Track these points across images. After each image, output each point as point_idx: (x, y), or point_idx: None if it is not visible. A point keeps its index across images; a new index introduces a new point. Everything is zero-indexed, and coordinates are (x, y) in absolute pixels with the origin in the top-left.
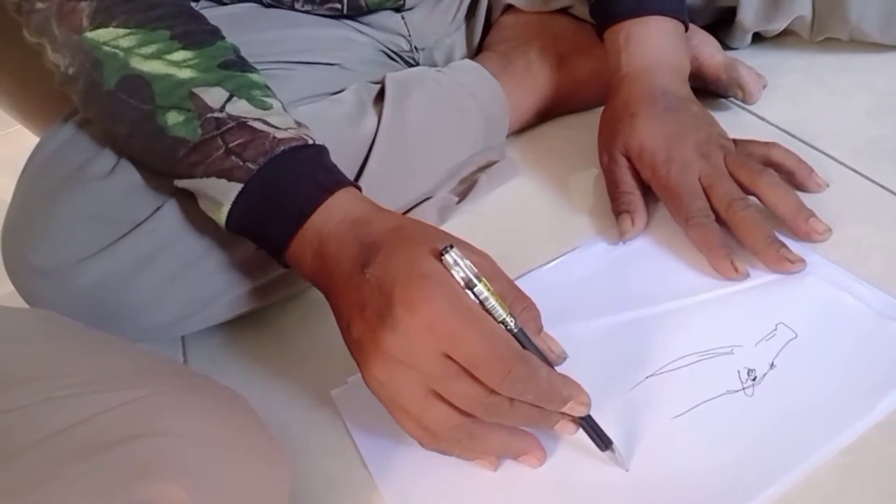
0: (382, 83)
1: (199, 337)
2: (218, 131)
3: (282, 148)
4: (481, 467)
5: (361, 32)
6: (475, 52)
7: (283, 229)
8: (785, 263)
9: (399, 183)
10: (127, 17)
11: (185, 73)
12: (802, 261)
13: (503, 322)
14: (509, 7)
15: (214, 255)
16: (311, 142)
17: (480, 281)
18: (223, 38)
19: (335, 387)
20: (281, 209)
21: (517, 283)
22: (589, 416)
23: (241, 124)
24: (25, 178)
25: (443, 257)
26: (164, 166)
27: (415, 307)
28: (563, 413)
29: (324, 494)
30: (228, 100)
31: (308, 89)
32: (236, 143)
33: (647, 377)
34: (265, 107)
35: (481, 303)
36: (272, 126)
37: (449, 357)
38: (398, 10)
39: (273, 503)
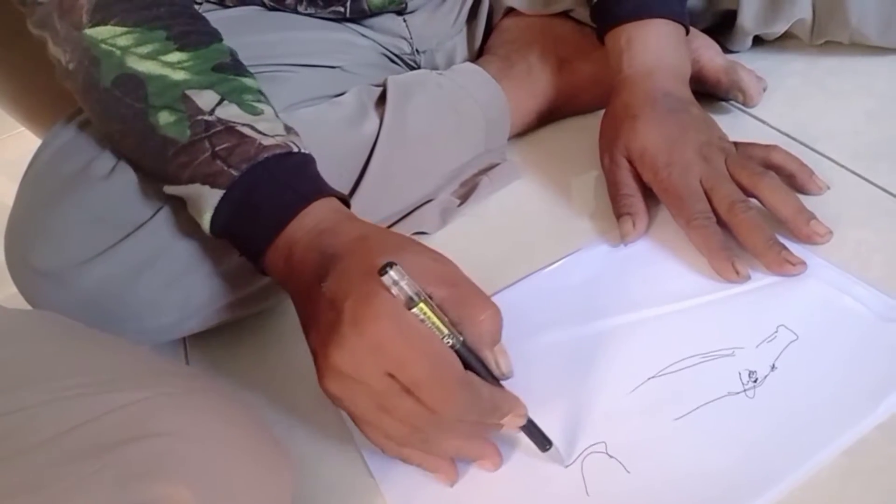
0: (384, 86)
1: (200, 339)
2: (206, 134)
3: (265, 155)
4: (439, 481)
5: (363, 35)
6: (476, 56)
7: (260, 237)
8: (786, 266)
9: (400, 185)
10: (125, 16)
11: (179, 75)
12: (803, 263)
13: (444, 339)
14: (510, 10)
15: (216, 257)
16: (296, 150)
17: (421, 300)
18: (221, 40)
19: None
20: (259, 217)
21: (517, 285)
22: (530, 421)
23: (229, 128)
24: (28, 180)
25: (381, 278)
26: (155, 165)
27: (361, 326)
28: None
29: (326, 497)
30: (219, 103)
31: (309, 92)
32: (223, 146)
33: (648, 379)
34: (255, 112)
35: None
36: (259, 132)
37: (394, 376)
38: (400, 13)
39: (276, 503)
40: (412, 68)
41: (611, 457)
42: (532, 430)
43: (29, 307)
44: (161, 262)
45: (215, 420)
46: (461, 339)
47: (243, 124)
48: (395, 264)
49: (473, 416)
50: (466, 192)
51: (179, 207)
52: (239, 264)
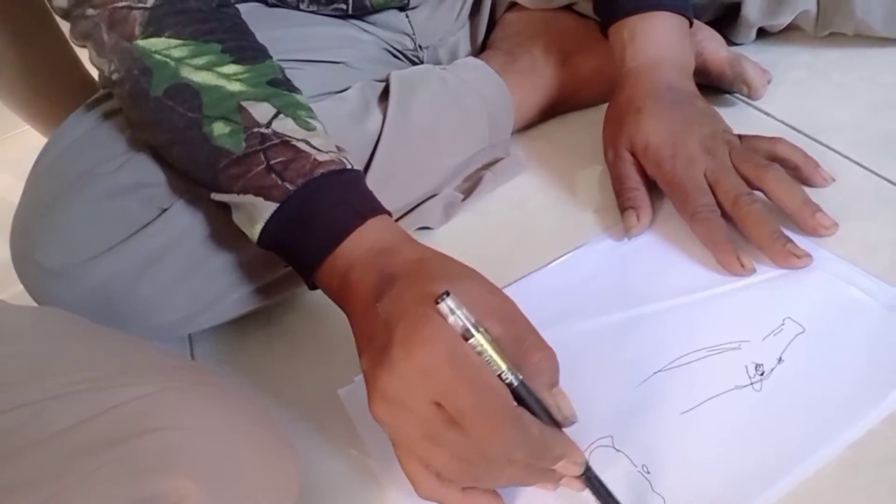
0: (387, 81)
1: (205, 335)
2: (262, 146)
3: (321, 171)
4: None
5: (366, 31)
6: (479, 50)
7: (314, 252)
8: (791, 258)
9: (404, 180)
10: (180, 28)
11: (235, 87)
12: (809, 255)
13: (501, 375)
14: (513, 4)
15: (222, 254)
16: (349, 166)
17: (478, 332)
18: (271, 57)
19: (342, 385)
20: (314, 232)
21: (522, 281)
22: (595, 476)
23: (285, 142)
24: (35, 176)
25: (438, 306)
26: (204, 175)
27: (411, 350)
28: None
29: (331, 491)
30: (275, 117)
31: (313, 88)
32: (278, 160)
33: (654, 373)
34: (309, 128)
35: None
36: (314, 148)
37: (441, 405)
38: (403, 8)
39: (282, 497)
40: (415, 64)
41: (618, 450)
42: (597, 487)
43: (35, 305)
44: (167, 260)
45: (221, 414)
46: (520, 377)
47: (299, 139)
48: (449, 294)
49: (522, 455)
50: (470, 187)
51: (188, 205)
52: (245, 261)
